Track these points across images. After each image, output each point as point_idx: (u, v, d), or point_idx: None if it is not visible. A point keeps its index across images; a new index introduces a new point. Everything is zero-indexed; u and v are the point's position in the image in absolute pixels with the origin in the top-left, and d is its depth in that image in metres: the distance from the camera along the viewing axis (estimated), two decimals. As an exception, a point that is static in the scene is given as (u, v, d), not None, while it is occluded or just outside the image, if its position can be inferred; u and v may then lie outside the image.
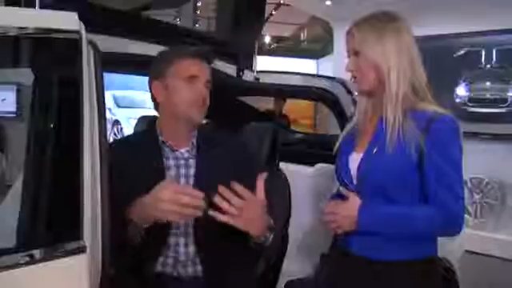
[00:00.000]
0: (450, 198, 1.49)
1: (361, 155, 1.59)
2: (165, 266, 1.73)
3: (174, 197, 1.48)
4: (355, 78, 1.61)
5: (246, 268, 1.92)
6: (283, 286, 2.38)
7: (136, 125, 2.40)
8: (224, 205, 1.54)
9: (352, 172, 1.61)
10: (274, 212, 1.78)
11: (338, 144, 1.71)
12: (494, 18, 5.32)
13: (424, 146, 1.49)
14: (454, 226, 1.53)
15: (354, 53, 1.59)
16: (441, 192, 1.50)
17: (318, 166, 2.78)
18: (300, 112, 8.80)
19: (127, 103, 11.99)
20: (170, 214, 1.50)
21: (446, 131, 1.51)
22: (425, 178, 1.51)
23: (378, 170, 1.53)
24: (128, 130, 10.16)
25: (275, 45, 13.28)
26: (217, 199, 1.54)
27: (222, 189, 1.54)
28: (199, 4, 10.72)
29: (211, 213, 1.55)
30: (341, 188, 1.64)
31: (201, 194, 1.51)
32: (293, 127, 6.53)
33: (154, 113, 2.25)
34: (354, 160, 1.61)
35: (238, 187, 1.56)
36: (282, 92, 3.17)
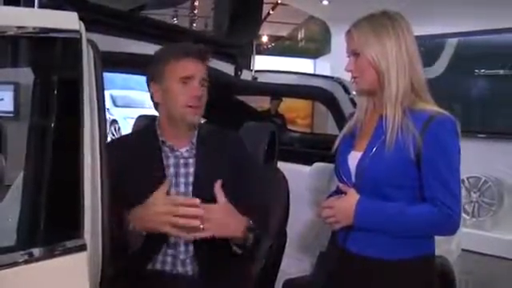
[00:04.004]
0: (447, 197, 1.50)
1: (360, 153, 1.60)
2: (164, 265, 1.74)
3: (170, 209, 1.57)
4: (355, 77, 1.62)
5: (245, 267, 1.92)
6: (281, 284, 2.38)
7: (134, 124, 2.40)
8: (184, 221, 1.58)
9: (351, 170, 1.62)
10: (260, 212, 1.81)
11: (337, 142, 1.71)
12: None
13: (422, 145, 1.50)
14: (450, 226, 1.54)
15: (353, 53, 1.60)
16: (438, 191, 1.51)
17: (316, 165, 2.79)
18: (298, 111, 8.81)
19: (125, 103, 12.00)
20: (165, 226, 1.58)
21: (444, 131, 1.52)
22: (422, 176, 1.52)
23: (377, 168, 1.54)
24: (125, 129, 10.17)
25: (272, 44, 13.28)
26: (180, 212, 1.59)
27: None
28: (196, 4, 10.70)
29: (186, 236, 1.64)
30: (340, 184, 1.65)
31: (197, 200, 1.59)
32: (290, 127, 6.53)
33: (151, 112, 2.25)
34: (354, 158, 1.61)
35: (193, 201, 1.62)
36: (280, 91, 3.18)
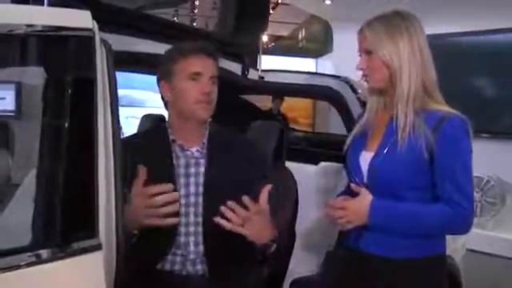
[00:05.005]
0: (460, 196, 1.51)
1: (372, 154, 1.60)
2: (174, 265, 1.73)
3: (146, 201, 1.49)
4: (366, 76, 1.62)
5: (254, 266, 1.92)
6: (289, 284, 2.38)
7: (140, 123, 2.40)
8: (229, 213, 1.55)
9: (363, 170, 1.62)
10: (279, 214, 1.80)
11: (347, 143, 1.71)
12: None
13: (434, 146, 1.50)
14: (464, 225, 1.56)
15: (365, 52, 1.59)
16: (451, 191, 1.51)
17: (322, 164, 2.78)
18: (299, 111, 8.80)
19: (126, 102, 11.95)
20: (147, 219, 1.50)
21: (457, 131, 1.52)
22: (435, 176, 1.53)
23: (390, 168, 1.54)
24: (127, 128, 10.15)
25: (272, 44, 13.24)
26: (223, 208, 1.56)
27: (230, 202, 1.56)
28: (197, 3, 10.67)
29: (216, 219, 1.56)
30: (352, 185, 1.64)
31: (170, 186, 1.51)
32: (292, 126, 6.53)
33: (154, 111, 2.24)
34: (365, 159, 1.62)
35: (246, 200, 1.57)
36: (288, 91, 3.17)
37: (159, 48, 1.86)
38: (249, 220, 1.56)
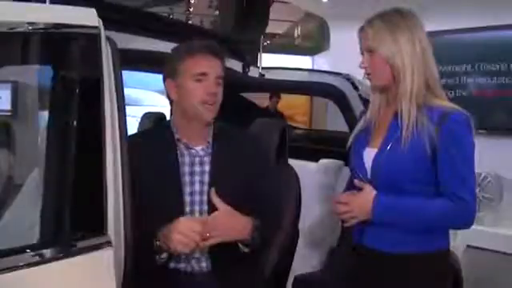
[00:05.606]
0: (463, 191, 1.52)
1: (375, 150, 1.61)
2: (178, 262, 1.74)
3: (187, 232, 1.55)
4: (369, 74, 1.63)
5: (258, 264, 1.93)
6: (291, 281, 2.39)
7: (141, 122, 2.40)
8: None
9: (367, 166, 1.63)
10: (274, 211, 1.82)
11: (351, 140, 1.72)
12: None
13: (438, 141, 1.51)
14: (466, 219, 1.57)
15: (367, 50, 1.60)
16: (454, 186, 1.52)
17: (322, 161, 2.79)
18: (296, 108, 8.80)
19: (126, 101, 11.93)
20: (180, 245, 1.55)
21: (460, 126, 1.53)
22: (438, 171, 1.54)
23: (393, 164, 1.56)
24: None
25: (268, 42, 13.22)
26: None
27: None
28: (192, 1, 10.64)
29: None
30: (355, 180, 1.65)
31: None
32: (289, 123, 6.54)
33: (155, 110, 2.23)
34: (369, 155, 1.63)
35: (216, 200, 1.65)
36: (288, 88, 3.18)
37: (164, 46, 1.86)
38: (214, 227, 1.60)
